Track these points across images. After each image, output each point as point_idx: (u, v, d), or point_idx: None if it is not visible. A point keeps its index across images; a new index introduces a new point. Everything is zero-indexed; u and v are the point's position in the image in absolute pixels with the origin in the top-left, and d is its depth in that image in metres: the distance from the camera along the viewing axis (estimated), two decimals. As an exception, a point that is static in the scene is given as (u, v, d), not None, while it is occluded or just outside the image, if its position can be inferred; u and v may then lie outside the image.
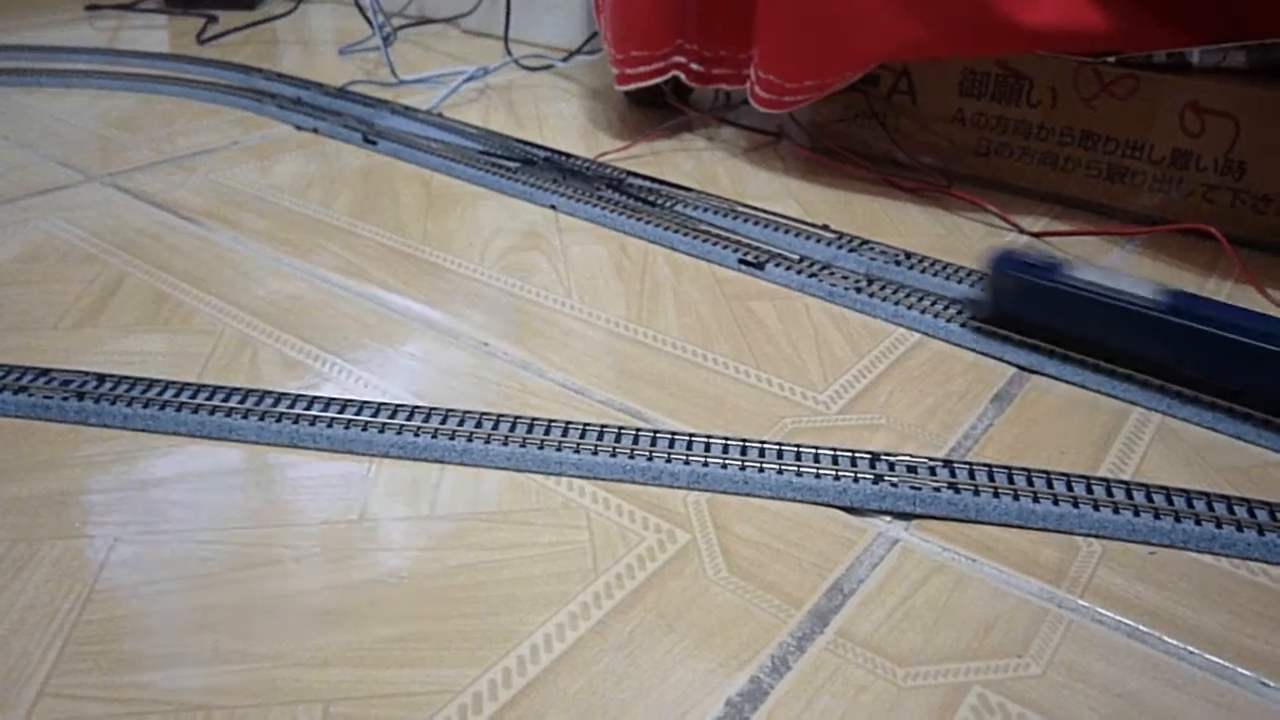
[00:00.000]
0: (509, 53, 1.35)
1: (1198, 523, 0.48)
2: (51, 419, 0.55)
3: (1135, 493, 0.50)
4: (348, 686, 0.39)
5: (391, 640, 0.41)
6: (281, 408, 0.54)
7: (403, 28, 1.49)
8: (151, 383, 0.56)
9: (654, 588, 0.45)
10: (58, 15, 1.51)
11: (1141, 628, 0.43)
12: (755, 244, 0.78)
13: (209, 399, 0.55)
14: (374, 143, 0.98)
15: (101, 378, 0.57)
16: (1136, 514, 0.49)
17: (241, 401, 0.55)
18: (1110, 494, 0.50)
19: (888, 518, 0.50)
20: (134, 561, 0.45)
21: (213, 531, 0.47)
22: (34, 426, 0.55)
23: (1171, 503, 0.49)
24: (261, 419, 0.54)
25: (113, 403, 0.55)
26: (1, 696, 0.38)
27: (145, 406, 0.55)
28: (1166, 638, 0.43)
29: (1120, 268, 0.76)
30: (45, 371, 0.57)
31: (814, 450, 0.52)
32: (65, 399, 0.55)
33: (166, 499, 0.49)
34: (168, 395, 0.55)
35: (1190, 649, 0.42)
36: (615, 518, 0.49)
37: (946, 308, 0.67)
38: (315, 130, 1.03)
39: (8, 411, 0.55)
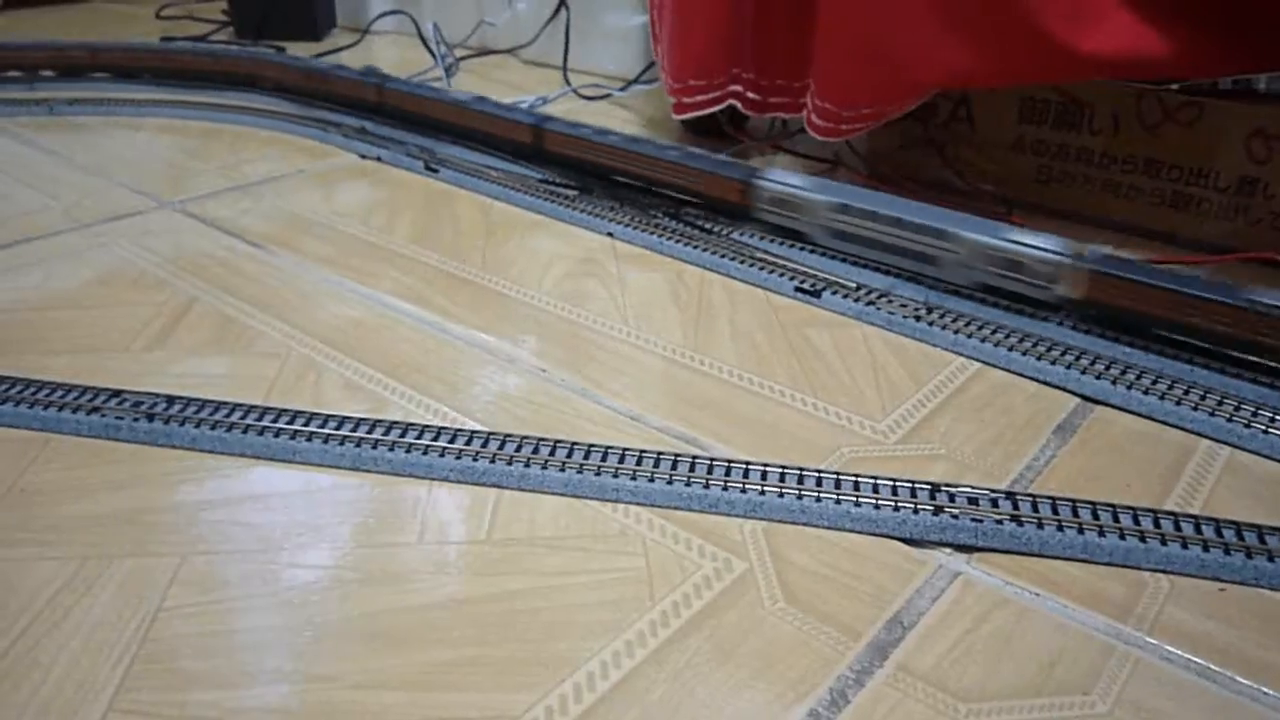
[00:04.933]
0: (568, 82, 1.37)
1: (1269, 559, 0.47)
2: (122, 439, 0.56)
3: (1204, 527, 0.49)
4: (404, 710, 0.40)
5: (448, 664, 0.42)
6: (344, 431, 0.55)
7: (464, 58, 1.52)
8: (218, 405, 0.58)
9: (711, 617, 0.44)
10: (132, 47, 1.56)
11: (1212, 666, 0.42)
12: (812, 272, 0.77)
13: (274, 421, 0.56)
14: (435, 171, 1.00)
15: (170, 399, 0.58)
16: (1206, 549, 0.48)
17: (305, 424, 0.56)
18: (1178, 528, 0.49)
19: (948, 550, 0.49)
20: (199, 581, 0.46)
21: (275, 553, 0.48)
22: (105, 446, 0.56)
23: (1242, 538, 0.48)
24: (325, 442, 0.55)
25: (181, 424, 0.56)
26: (70, 712, 0.39)
27: (212, 428, 0.56)
28: (1238, 677, 0.42)
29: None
30: (117, 393, 0.59)
31: (873, 480, 0.52)
32: (136, 420, 0.56)
33: (232, 519, 0.50)
34: (234, 417, 0.56)
35: (1264, 689, 0.41)
36: (672, 545, 0.49)
37: (1007, 336, 0.66)
38: (378, 159, 1.05)
39: (81, 431, 0.57)
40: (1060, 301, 0.69)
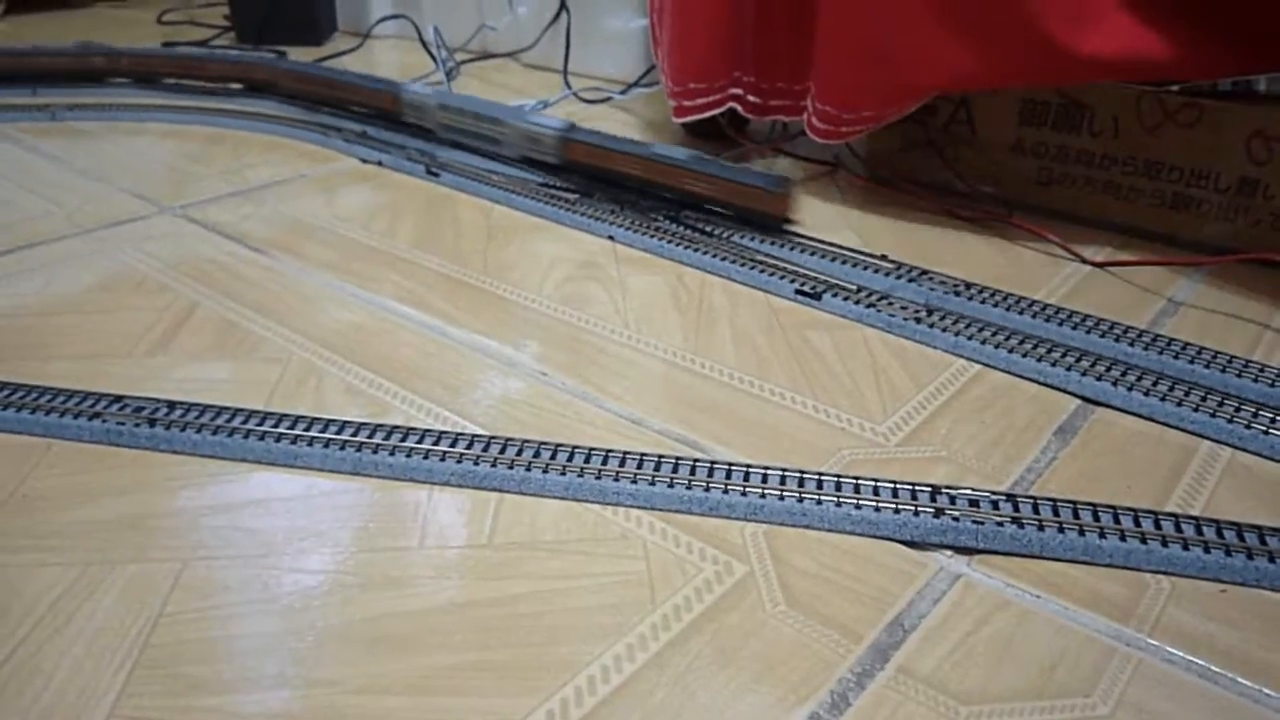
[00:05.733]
0: (568, 86, 1.37)
1: (1270, 560, 0.47)
2: (124, 445, 0.56)
3: (1205, 529, 0.49)
4: (407, 714, 0.40)
5: (450, 669, 0.42)
6: (345, 435, 0.55)
7: (465, 62, 1.52)
8: (220, 410, 0.58)
9: (712, 620, 0.44)
10: (133, 53, 1.56)
11: (1214, 668, 0.42)
12: (812, 274, 0.77)
13: (275, 426, 0.56)
14: (436, 175, 1.00)
15: (172, 404, 0.58)
16: (1207, 550, 0.48)
17: (307, 429, 0.56)
18: (1179, 530, 0.49)
19: (949, 552, 0.49)
20: (201, 586, 0.46)
21: (277, 558, 0.48)
22: (107, 451, 0.56)
23: (1243, 539, 0.48)
24: (326, 446, 0.55)
25: (183, 429, 0.56)
26: (73, 718, 0.39)
27: (214, 433, 0.56)
28: (1240, 679, 0.42)
29: (1187, 299, 0.75)
30: (119, 398, 0.59)
31: (873, 483, 0.52)
32: (137, 425, 0.57)
33: (233, 524, 0.50)
34: (235, 422, 0.57)
35: (1265, 690, 0.41)
36: (673, 549, 0.49)
37: (1008, 338, 0.66)
38: (379, 163, 1.05)
39: (82, 437, 0.57)
40: (565, 164, 0.95)
